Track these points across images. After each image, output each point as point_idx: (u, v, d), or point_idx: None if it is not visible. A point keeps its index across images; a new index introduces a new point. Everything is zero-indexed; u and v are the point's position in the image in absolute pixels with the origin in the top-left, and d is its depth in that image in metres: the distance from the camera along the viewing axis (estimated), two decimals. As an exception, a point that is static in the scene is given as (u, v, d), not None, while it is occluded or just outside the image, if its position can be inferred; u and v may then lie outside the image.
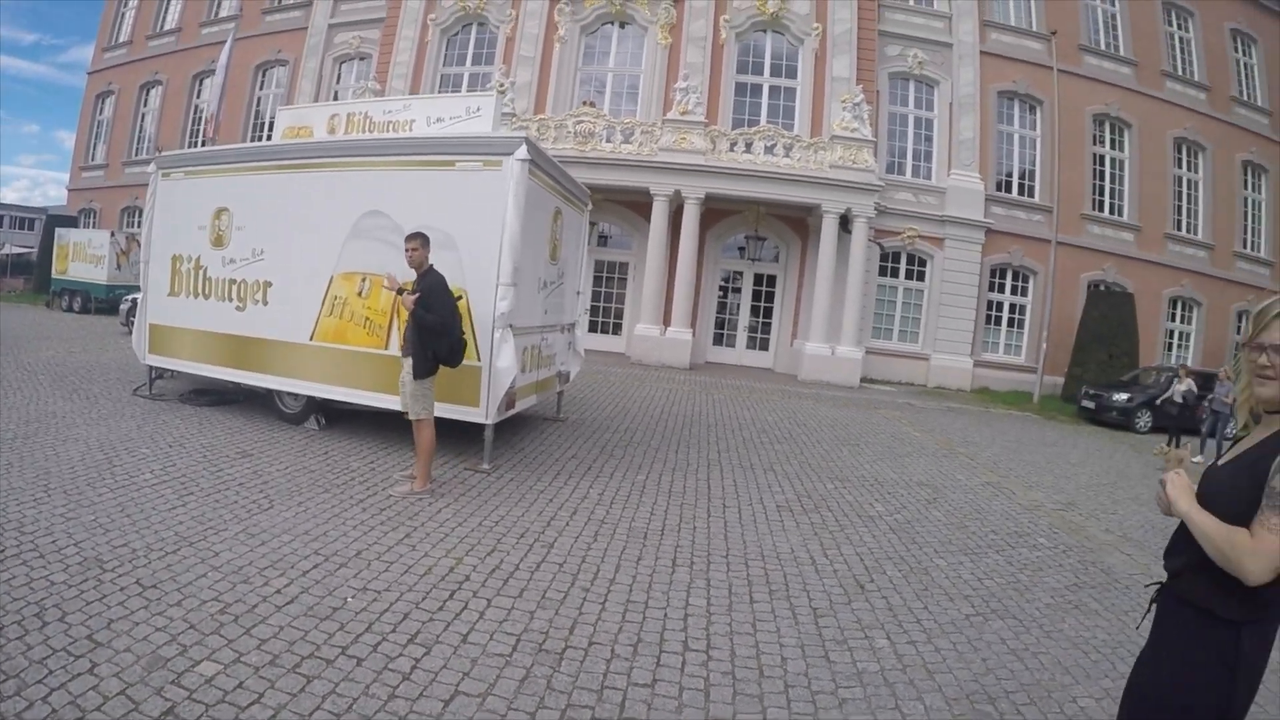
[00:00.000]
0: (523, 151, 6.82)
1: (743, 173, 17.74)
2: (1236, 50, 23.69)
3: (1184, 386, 14.19)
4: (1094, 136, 21.58)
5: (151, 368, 9.45)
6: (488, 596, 4.13)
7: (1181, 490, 1.82)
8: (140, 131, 30.41)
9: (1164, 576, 1.96)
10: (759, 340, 20.13)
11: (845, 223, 17.75)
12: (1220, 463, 1.92)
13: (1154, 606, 1.97)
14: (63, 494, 5.33)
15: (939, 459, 9.79)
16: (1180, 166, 22.54)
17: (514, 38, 20.96)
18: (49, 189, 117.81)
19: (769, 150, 17.98)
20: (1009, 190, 21.10)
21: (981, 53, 20.75)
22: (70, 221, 30.29)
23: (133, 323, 11.05)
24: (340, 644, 3.47)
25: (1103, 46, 22.01)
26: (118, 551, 4.34)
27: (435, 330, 5.91)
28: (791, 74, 20.29)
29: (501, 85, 19.31)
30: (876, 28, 20.16)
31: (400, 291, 5.97)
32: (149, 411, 8.49)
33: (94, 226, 29.18)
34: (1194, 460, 2.08)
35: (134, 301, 12.66)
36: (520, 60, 20.61)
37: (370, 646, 3.47)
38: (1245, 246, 23.36)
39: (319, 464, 6.70)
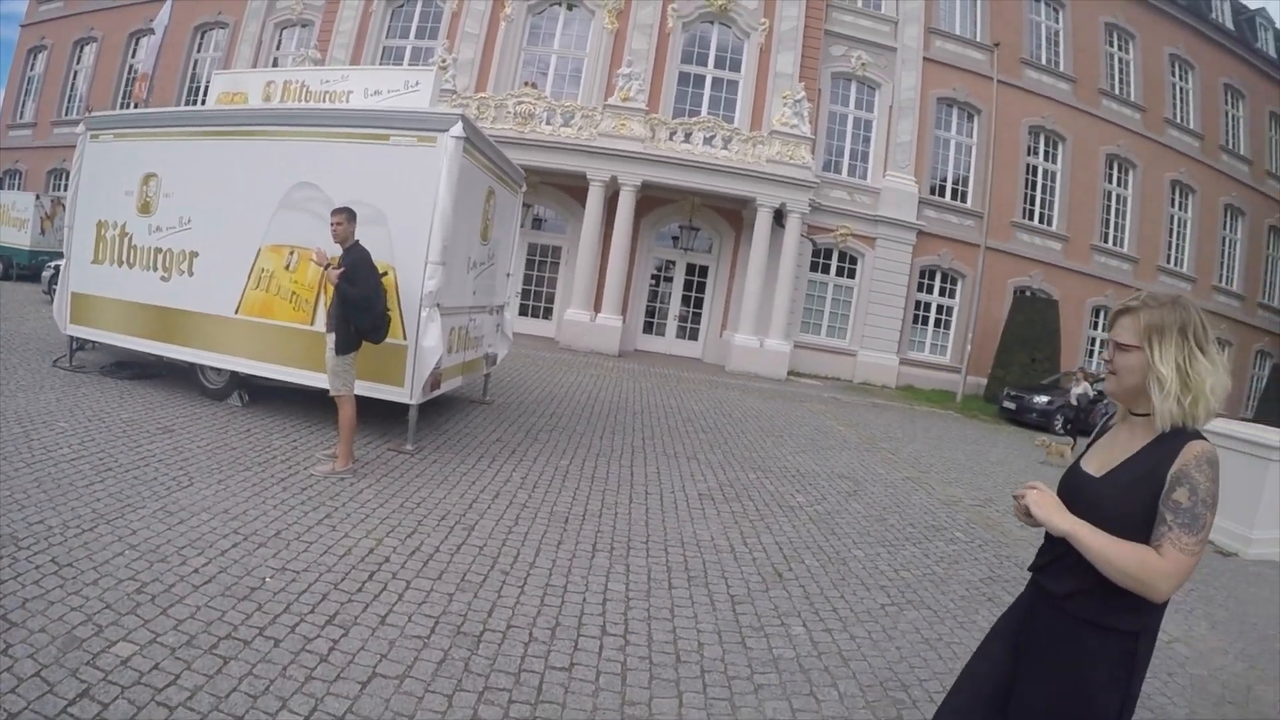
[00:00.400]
0: (458, 129, 6.82)
1: (680, 162, 17.83)
2: (1174, 75, 24.65)
3: (1080, 389, 14.84)
4: (1029, 147, 22.25)
5: (73, 338, 9.21)
6: (407, 578, 4.15)
7: (1053, 508, 1.77)
8: (72, 90, 29.53)
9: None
10: (689, 330, 20.33)
11: (779, 217, 18.00)
12: (1088, 467, 1.89)
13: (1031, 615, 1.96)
14: None
15: (861, 453, 10.00)
16: (1111, 182, 23.37)
17: (460, 13, 20.73)
18: None
19: (708, 141, 18.06)
20: (943, 194, 21.58)
21: (925, 59, 21.20)
22: None
23: (55, 291, 10.62)
24: (258, 625, 3.47)
25: (1044, 61, 22.69)
26: (33, 529, 4.29)
27: (358, 304, 5.90)
28: (736, 67, 20.46)
29: (444, 61, 19.14)
30: (823, 27, 20.43)
31: (327, 266, 5.93)
32: (69, 384, 8.33)
33: (19, 188, 28.04)
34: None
35: (57, 269, 12.29)
36: (464, 37, 20.38)
37: (288, 628, 3.48)
38: (1169, 262, 24.33)
39: (241, 441, 6.64)
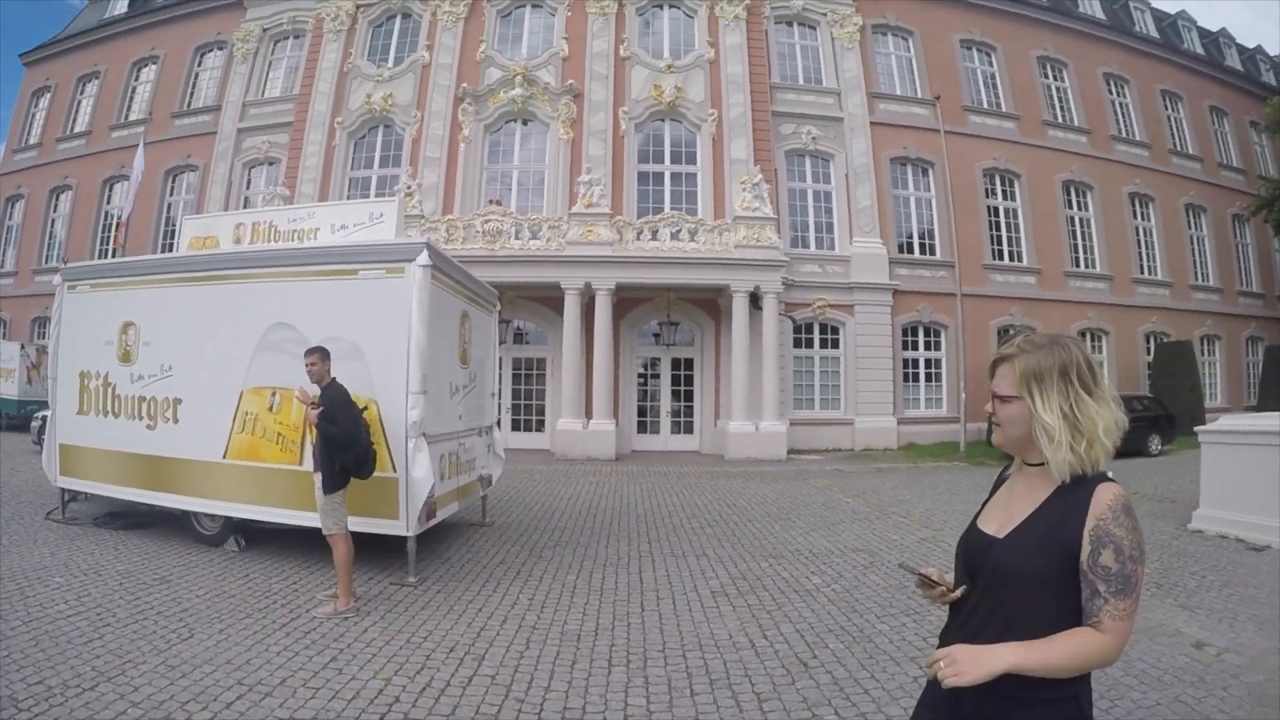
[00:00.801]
0: (424, 257, 6.90)
1: (651, 260, 18.32)
2: (1111, 93, 25.60)
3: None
4: (986, 190, 22.87)
5: (64, 490, 9.25)
6: (418, 717, 4.10)
7: (974, 665, 1.52)
8: (50, 237, 29.81)
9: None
10: (683, 424, 20.53)
11: (755, 300, 18.34)
12: (987, 527, 1.77)
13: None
14: None
15: (872, 522, 10.02)
16: (1071, 206, 24.09)
17: (419, 139, 21.42)
18: None
19: (675, 236, 18.55)
20: (911, 251, 22.08)
21: (872, 123, 21.90)
22: None
23: (44, 441, 10.53)
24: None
25: (985, 105, 23.49)
26: (33, 689, 4.28)
27: (339, 442, 5.94)
28: (691, 159, 21.18)
29: (408, 187, 19.69)
30: (770, 109, 21.19)
31: (310, 405, 6.01)
32: (63, 537, 8.37)
33: (4, 338, 28.38)
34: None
35: (44, 419, 12.35)
36: (426, 161, 21.02)
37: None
38: (1142, 272, 25.00)
39: (240, 587, 6.60)
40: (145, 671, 4.60)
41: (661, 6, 22.54)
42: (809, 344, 21.09)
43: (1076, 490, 1.59)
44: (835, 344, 21.18)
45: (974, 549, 1.76)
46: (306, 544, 7.62)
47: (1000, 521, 1.72)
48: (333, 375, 6.20)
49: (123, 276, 9.03)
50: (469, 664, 4.86)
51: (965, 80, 23.27)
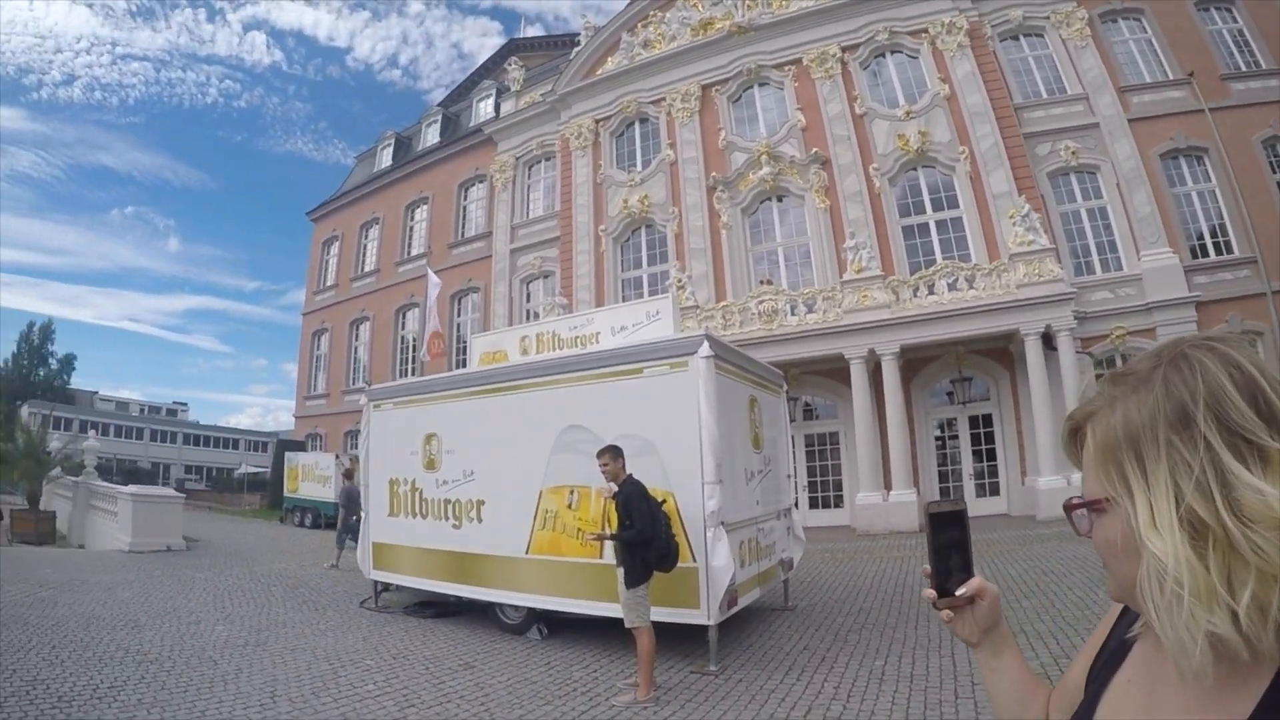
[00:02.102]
0: (705, 349, 7.18)
1: (931, 317, 18.25)
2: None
3: None
4: (1271, 163, 20.74)
5: (376, 582, 10.36)
6: None
7: None
8: (354, 362, 35.13)
9: None
10: (988, 485, 19.63)
11: (1048, 341, 17.69)
12: None
13: None
14: (288, 701, 5.89)
15: None
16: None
17: (681, 233, 23.36)
18: (279, 414, 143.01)
19: (952, 286, 18.45)
20: (1205, 254, 20.38)
21: (1130, 121, 20.69)
22: (299, 445, 34.88)
23: (358, 540, 11.91)
24: None
25: (1244, 67, 21.41)
26: None
27: (637, 543, 6.21)
28: (953, 203, 20.92)
29: (679, 281, 21.51)
30: (1020, 132, 20.69)
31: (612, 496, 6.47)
32: (375, 623, 9.23)
33: (320, 449, 33.26)
34: None
35: (358, 519, 13.99)
36: (692, 253, 22.85)
37: None
38: None
39: (541, 675, 6.86)
40: (445, 754, 4.83)
41: (883, 55, 22.97)
42: (1113, 381, 19.91)
43: None
44: (1142, 375, 19.80)
45: None
46: (606, 632, 7.89)
47: None
48: (628, 472, 6.52)
49: (422, 394, 10.03)
50: (769, 755, 4.61)
51: (1214, 46, 21.41)
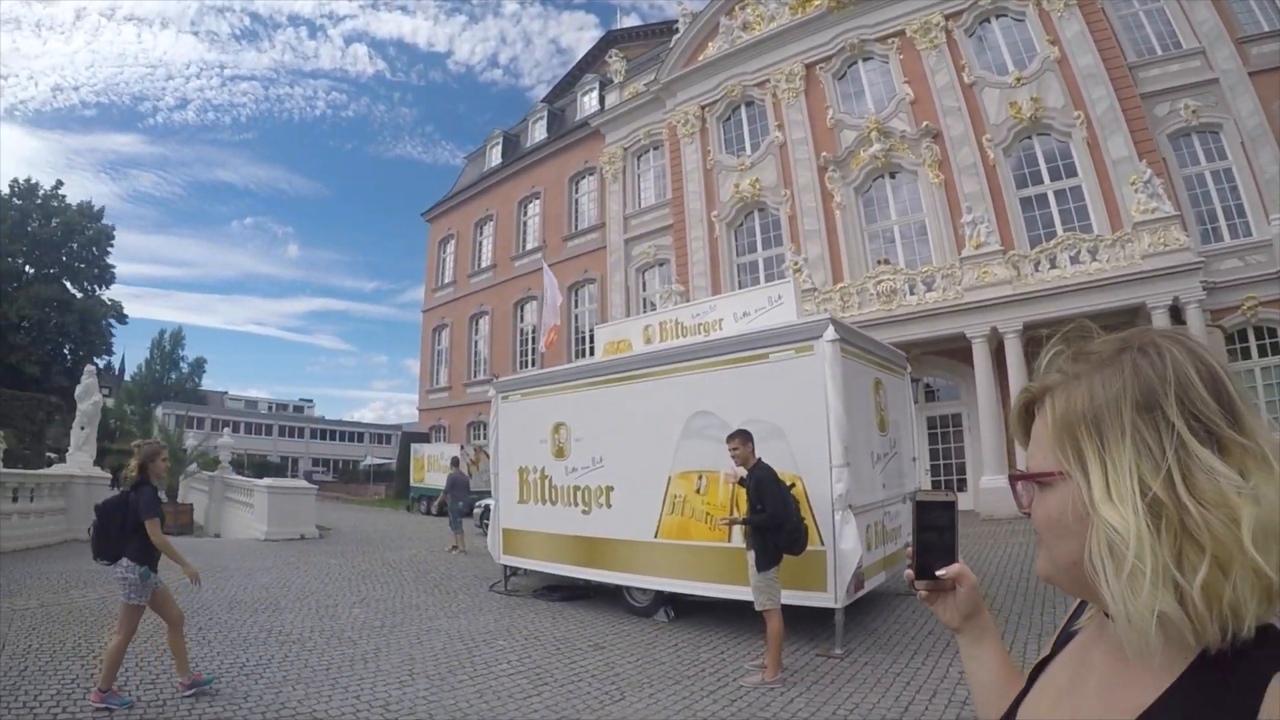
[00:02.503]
0: (830, 333, 7.28)
1: (1053, 291, 17.61)
2: None
3: None
4: None
5: (506, 567, 10.78)
6: None
7: None
8: (475, 355, 37.09)
9: None
10: None
11: (1177, 314, 16.95)
12: None
13: None
14: (425, 679, 6.18)
15: None
16: None
17: (794, 215, 23.73)
18: (400, 408, 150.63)
19: (1074, 260, 17.79)
20: None
21: (1250, 74, 19.47)
22: (423, 437, 37.07)
23: (486, 525, 12.97)
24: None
25: None
26: None
27: (768, 526, 6.35)
28: (1071, 172, 20.24)
29: (795, 264, 21.93)
30: (1136, 92, 19.84)
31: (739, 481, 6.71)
32: (505, 606, 9.56)
33: (444, 440, 35.39)
34: None
35: (486, 506, 14.63)
36: (806, 235, 23.21)
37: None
38: None
39: (669, 655, 7.06)
40: (580, 728, 5.04)
41: (989, 20, 22.43)
42: (1244, 354, 18.50)
43: (1216, 687, 0.77)
44: (1277, 349, 18.29)
45: None
46: (732, 615, 8.11)
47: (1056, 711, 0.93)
48: (758, 456, 6.65)
49: (550, 384, 10.33)
50: (895, 741, 4.72)
51: (1337, -26, 19.96)
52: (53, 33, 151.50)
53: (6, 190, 43.90)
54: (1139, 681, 0.81)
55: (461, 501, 16.96)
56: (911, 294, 19.70)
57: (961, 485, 19.97)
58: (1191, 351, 0.85)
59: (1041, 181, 20.89)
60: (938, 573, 1.15)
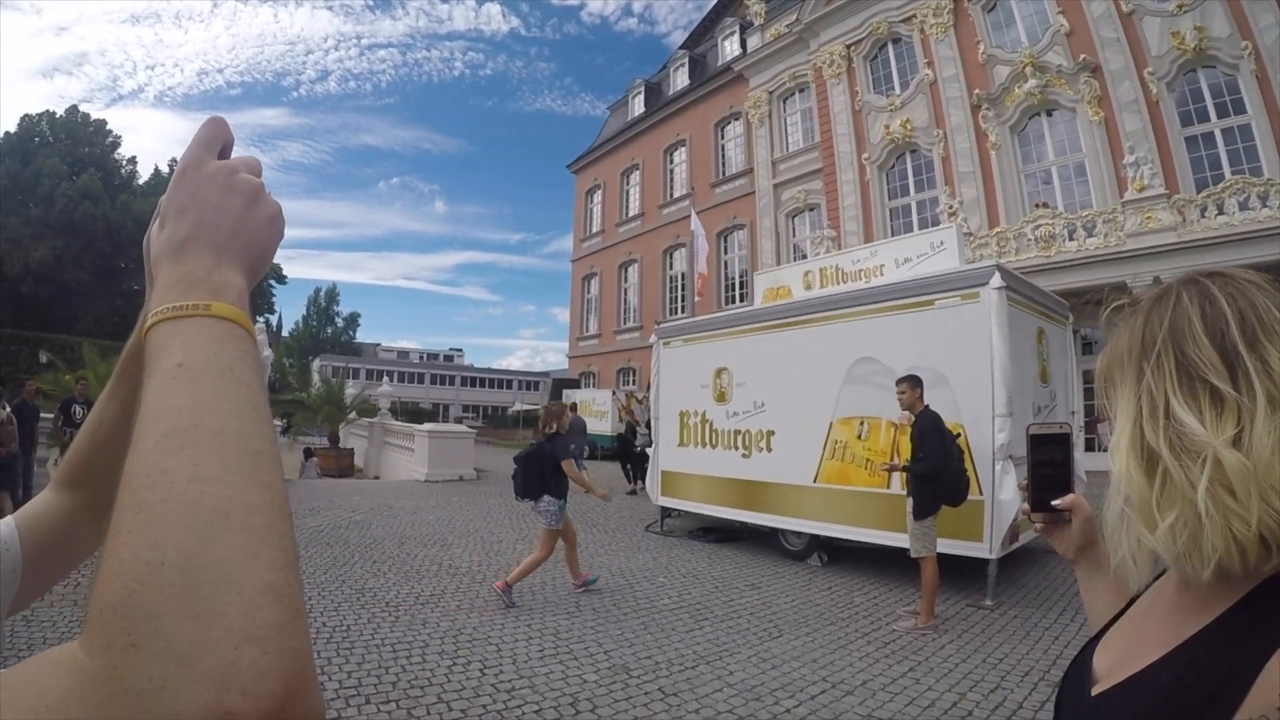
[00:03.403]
0: (997, 280, 7.34)
1: (1221, 240, 16.95)
2: None
3: None
4: None
5: (663, 508, 11.26)
6: None
7: None
8: (624, 303, 38.92)
9: None
10: None
11: None
12: (1100, 662, 0.96)
13: None
14: (592, 611, 6.61)
15: None
16: None
17: (948, 156, 23.84)
18: (547, 355, 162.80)
19: (1243, 206, 16.99)
20: None
21: None
22: (573, 384, 39.25)
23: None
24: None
25: None
26: (642, 662, 5.25)
27: (927, 475, 6.53)
28: (1239, 109, 19.04)
29: (950, 207, 22.46)
30: None
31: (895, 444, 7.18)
32: (662, 546, 9.98)
33: (594, 386, 37.26)
34: None
35: (578, 446, 15.04)
36: (961, 177, 23.29)
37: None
38: None
39: (823, 598, 7.40)
40: (740, 660, 5.43)
41: None
42: None
43: (1252, 622, 0.76)
44: None
45: (1066, 703, 1.01)
46: (885, 562, 8.40)
47: (1115, 657, 0.94)
48: (925, 403, 6.80)
49: (713, 330, 10.73)
50: (1043, 689, 5.03)
51: None
52: (192, 22, 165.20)
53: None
54: (1195, 613, 0.81)
55: (575, 445, 18.62)
56: (1070, 239, 19.46)
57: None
58: (1205, 293, 0.85)
59: (1208, 119, 19.81)
60: (1053, 503, 1.18)
